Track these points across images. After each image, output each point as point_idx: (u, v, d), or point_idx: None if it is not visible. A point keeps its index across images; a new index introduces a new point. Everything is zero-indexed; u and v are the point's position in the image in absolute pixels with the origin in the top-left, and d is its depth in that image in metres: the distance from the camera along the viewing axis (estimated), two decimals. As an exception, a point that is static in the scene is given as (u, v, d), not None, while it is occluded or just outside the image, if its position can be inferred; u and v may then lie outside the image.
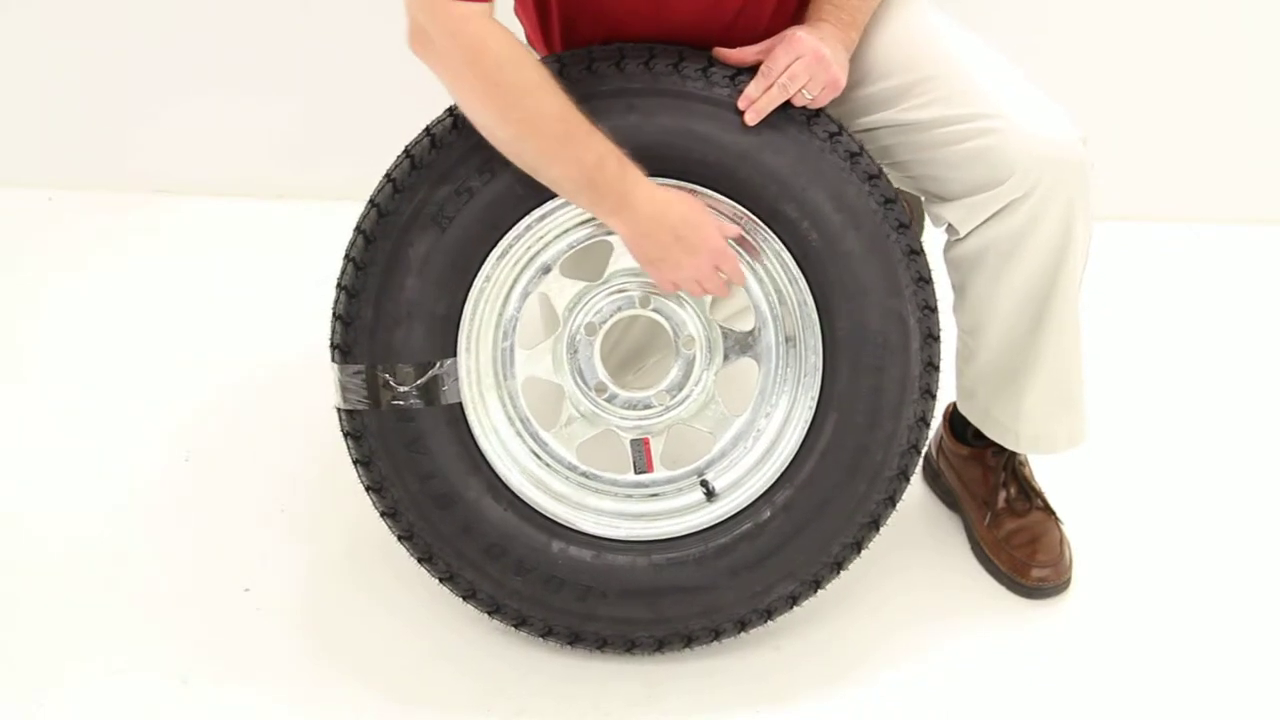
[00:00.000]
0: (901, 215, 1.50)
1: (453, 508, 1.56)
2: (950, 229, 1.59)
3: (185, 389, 2.16)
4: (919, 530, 1.85)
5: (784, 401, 1.59)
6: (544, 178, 1.45)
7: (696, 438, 1.66)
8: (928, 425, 1.55)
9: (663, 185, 1.48)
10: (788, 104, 1.47)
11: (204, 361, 2.23)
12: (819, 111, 1.49)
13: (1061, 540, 1.76)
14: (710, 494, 1.60)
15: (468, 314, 1.55)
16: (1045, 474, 1.83)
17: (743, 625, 1.59)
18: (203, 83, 2.66)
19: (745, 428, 1.62)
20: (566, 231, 1.56)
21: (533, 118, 1.39)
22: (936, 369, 1.54)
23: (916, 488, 1.92)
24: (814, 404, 1.55)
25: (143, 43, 2.64)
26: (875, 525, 1.56)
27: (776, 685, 1.61)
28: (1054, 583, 1.73)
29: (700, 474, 1.62)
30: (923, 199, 1.63)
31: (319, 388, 2.12)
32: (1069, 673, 1.63)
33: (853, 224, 1.49)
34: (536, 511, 1.58)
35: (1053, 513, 1.79)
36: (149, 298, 2.42)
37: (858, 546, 1.57)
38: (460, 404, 1.56)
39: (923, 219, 2.33)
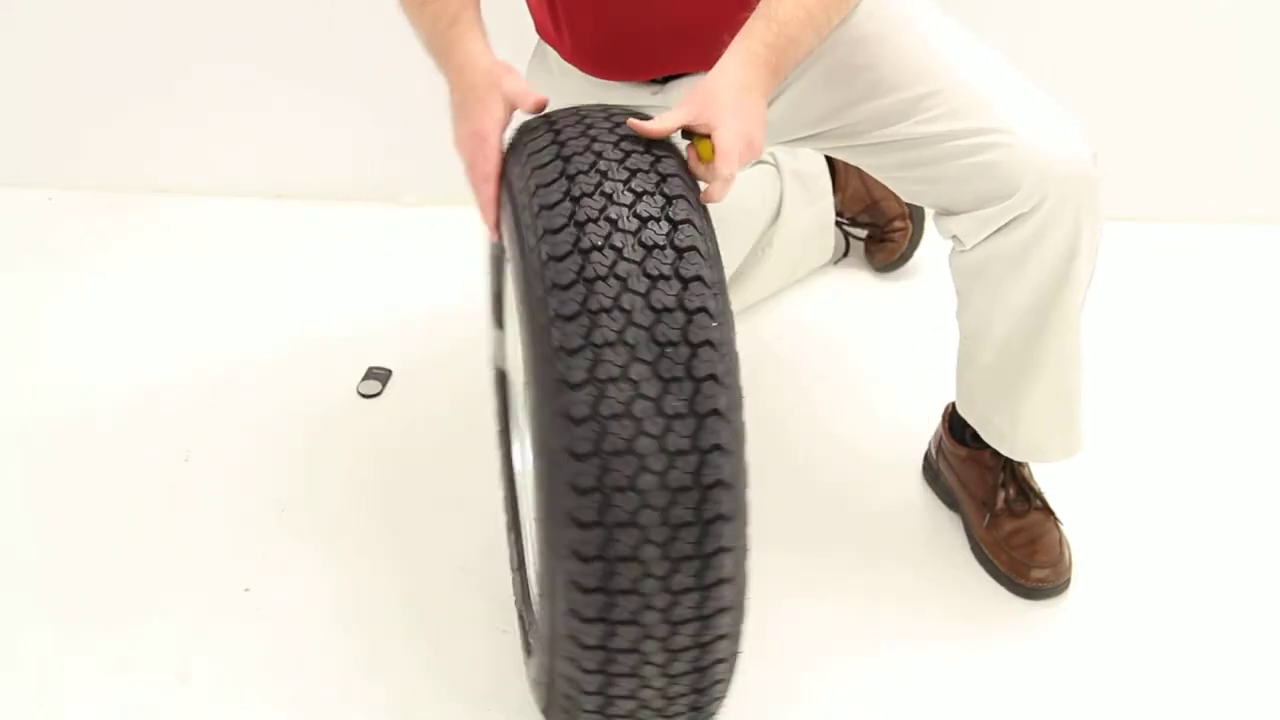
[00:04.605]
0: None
1: None
2: (956, 240, 1.58)
3: (185, 389, 2.16)
4: (919, 530, 1.85)
5: None
6: (419, 41, 1.49)
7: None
8: None
9: (500, 62, 1.40)
10: None
11: (204, 361, 2.23)
12: None
13: (1061, 541, 1.76)
14: None
15: None
16: (1044, 475, 1.83)
17: None
18: (203, 83, 2.66)
19: None
20: None
21: None
22: None
23: (917, 488, 1.92)
24: None
25: (143, 43, 2.64)
26: None
27: (774, 687, 1.61)
28: (1053, 583, 1.73)
29: None
30: (931, 212, 1.62)
31: (319, 388, 2.14)
32: (1068, 673, 1.63)
33: None
34: None
35: (1052, 513, 1.79)
36: (149, 298, 2.42)
37: None
38: None
39: (922, 228, 2.35)
